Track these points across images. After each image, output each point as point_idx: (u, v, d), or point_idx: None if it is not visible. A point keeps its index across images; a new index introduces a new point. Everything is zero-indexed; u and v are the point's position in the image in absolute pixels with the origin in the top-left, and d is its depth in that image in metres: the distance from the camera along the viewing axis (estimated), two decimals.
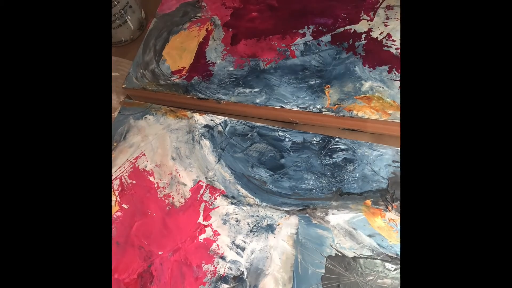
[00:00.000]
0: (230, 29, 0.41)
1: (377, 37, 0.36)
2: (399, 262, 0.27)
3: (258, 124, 0.35)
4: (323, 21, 0.38)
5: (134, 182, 0.35)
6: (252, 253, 0.29)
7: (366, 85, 0.34)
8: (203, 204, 0.32)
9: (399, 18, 0.36)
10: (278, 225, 0.30)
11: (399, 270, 0.27)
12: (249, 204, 0.31)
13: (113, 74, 0.44)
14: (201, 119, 0.36)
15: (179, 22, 0.43)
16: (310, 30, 0.38)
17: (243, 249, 0.30)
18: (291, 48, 0.38)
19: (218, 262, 0.30)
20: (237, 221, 0.31)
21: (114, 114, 0.40)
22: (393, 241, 0.28)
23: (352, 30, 0.37)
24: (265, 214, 0.31)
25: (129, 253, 0.32)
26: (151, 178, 0.35)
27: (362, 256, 0.28)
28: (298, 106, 0.34)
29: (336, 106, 0.33)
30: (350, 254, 0.28)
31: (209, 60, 0.39)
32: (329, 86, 0.35)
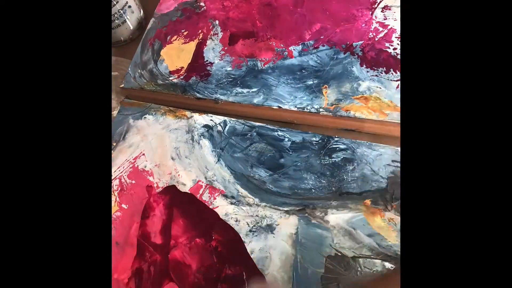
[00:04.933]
0: (228, 29, 0.39)
1: (374, 37, 0.34)
2: (399, 262, 0.26)
3: (257, 124, 0.33)
4: (321, 21, 0.37)
5: (133, 182, 0.33)
6: (252, 253, 0.28)
7: (364, 85, 0.32)
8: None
9: (397, 19, 0.34)
10: (278, 225, 0.29)
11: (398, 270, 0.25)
12: (249, 204, 0.30)
13: (112, 73, 0.42)
14: (201, 119, 0.35)
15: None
16: (308, 30, 0.36)
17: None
18: (289, 48, 0.36)
19: (218, 262, 0.28)
20: (236, 221, 0.29)
21: (114, 114, 0.38)
22: (393, 241, 0.26)
23: (350, 31, 0.35)
24: (264, 214, 0.29)
25: (128, 253, 0.30)
26: (151, 178, 0.33)
27: (361, 255, 0.26)
28: (295, 106, 0.33)
29: (334, 106, 0.32)
30: (349, 253, 0.26)
31: (207, 60, 0.38)
32: (327, 86, 0.33)
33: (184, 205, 0.31)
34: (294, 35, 0.37)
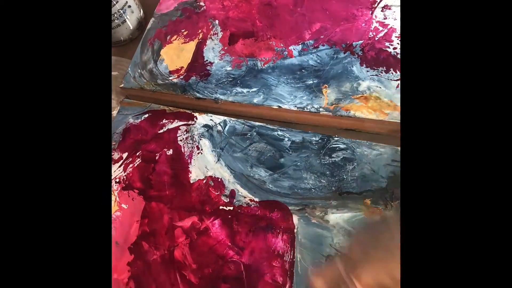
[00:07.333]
0: (228, 29, 0.39)
1: (374, 37, 0.34)
2: None
3: (257, 123, 0.33)
4: (321, 21, 0.37)
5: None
6: (252, 253, 0.28)
7: (364, 85, 0.32)
8: None
9: (397, 18, 0.34)
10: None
11: None
12: (248, 204, 0.30)
13: (112, 73, 0.42)
14: (200, 119, 0.35)
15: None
16: (308, 30, 0.36)
17: (242, 249, 0.28)
18: (289, 47, 0.36)
19: (217, 262, 0.28)
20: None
21: (114, 114, 0.38)
22: None
23: (350, 30, 0.35)
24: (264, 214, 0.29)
25: (128, 253, 0.30)
26: None
27: None
28: (295, 106, 0.33)
29: (334, 106, 0.32)
30: None
31: (207, 60, 0.37)
32: (327, 86, 0.33)
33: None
34: (294, 35, 0.37)
